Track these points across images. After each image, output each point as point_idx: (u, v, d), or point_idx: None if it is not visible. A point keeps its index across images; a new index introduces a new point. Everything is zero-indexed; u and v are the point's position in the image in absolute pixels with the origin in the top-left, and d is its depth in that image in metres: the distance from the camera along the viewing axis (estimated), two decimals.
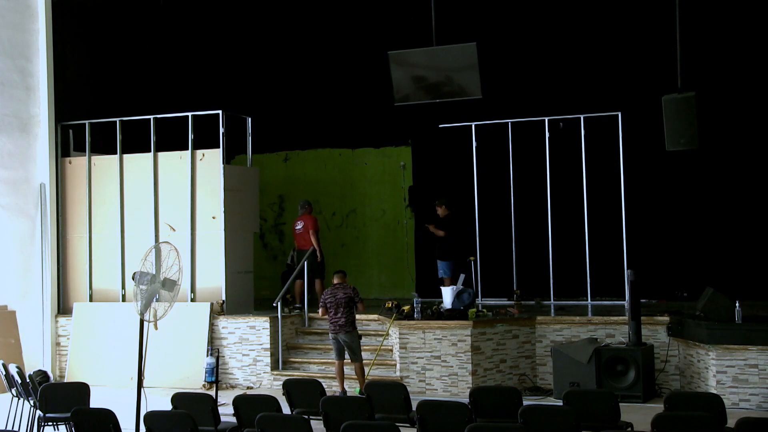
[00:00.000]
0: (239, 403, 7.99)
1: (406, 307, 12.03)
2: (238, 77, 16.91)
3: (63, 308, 14.07)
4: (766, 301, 12.62)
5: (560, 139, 14.42)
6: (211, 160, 13.37)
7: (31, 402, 9.25)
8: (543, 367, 11.78)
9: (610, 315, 11.90)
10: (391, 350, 12.20)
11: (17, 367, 9.89)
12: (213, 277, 13.25)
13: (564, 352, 10.94)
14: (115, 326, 13.23)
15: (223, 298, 13.06)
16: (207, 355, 12.45)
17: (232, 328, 12.84)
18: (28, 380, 9.39)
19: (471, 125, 14.70)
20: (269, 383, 12.42)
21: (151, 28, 15.91)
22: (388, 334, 12.16)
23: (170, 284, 8.17)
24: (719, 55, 14.22)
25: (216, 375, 10.04)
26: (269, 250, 17.31)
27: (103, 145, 14.23)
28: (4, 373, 10.00)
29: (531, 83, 15.33)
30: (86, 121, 14.09)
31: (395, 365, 11.95)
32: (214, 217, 13.17)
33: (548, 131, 14.11)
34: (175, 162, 13.62)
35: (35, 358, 13.43)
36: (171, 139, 13.78)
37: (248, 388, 12.40)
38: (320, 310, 11.19)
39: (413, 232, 16.16)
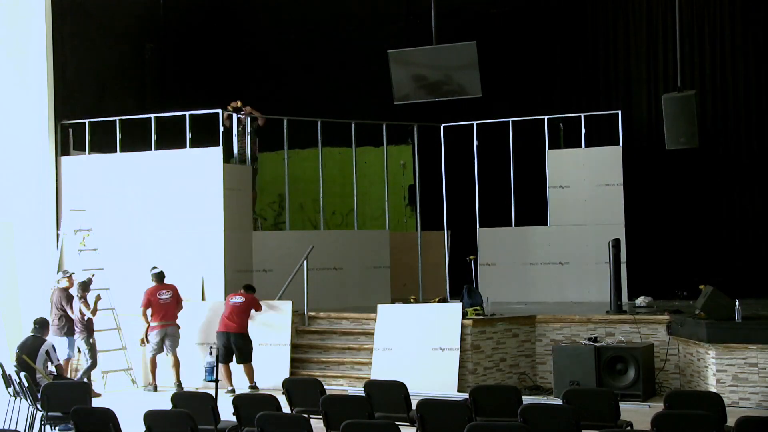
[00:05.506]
0: (239, 402, 7.98)
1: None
2: (238, 77, 16.88)
3: None
4: (766, 299, 12.62)
5: (560, 138, 14.45)
6: (211, 160, 13.34)
7: (29, 401, 9.22)
8: (543, 365, 11.77)
9: (610, 314, 11.87)
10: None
11: (15, 366, 9.88)
12: (213, 276, 13.21)
13: None
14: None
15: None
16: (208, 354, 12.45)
17: None
18: (24, 380, 9.35)
19: (472, 124, 14.69)
20: None
21: (151, 27, 15.89)
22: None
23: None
24: (719, 55, 14.23)
25: (216, 374, 10.02)
26: None
27: (103, 144, 14.20)
28: (0, 372, 9.98)
29: (531, 83, 15.33)
30: (86, 120, 14.06)
31: None
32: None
33: (548, 130, 14.10)
34: (174, 161, 13.59)
35: None
36: (171, 138, 13.75)
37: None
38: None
39: (413, 231, 16.13)
